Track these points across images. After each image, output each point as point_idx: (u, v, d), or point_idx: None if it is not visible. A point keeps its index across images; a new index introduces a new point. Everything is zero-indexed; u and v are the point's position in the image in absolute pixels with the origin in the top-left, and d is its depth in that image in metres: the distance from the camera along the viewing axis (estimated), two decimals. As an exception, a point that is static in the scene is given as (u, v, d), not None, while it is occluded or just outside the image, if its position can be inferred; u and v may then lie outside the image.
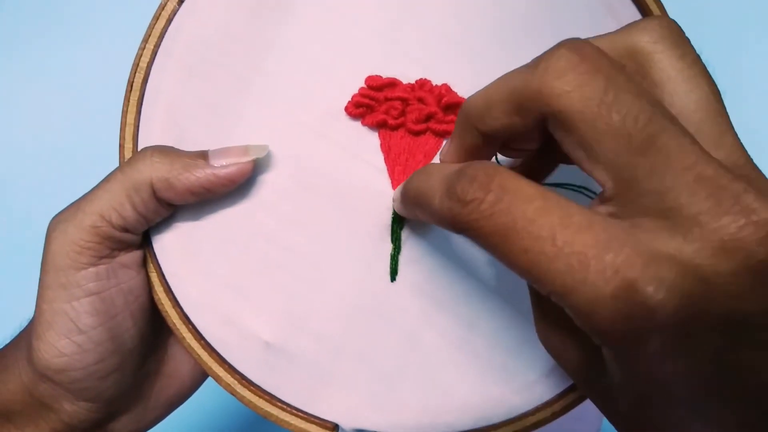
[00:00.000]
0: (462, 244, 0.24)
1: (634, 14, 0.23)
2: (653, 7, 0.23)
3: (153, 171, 0.22)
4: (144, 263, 0.24)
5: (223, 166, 0.22)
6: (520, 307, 0.24)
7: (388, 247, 0.24)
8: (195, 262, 0.24)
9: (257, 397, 0.24)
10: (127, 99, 0.25)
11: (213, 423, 0.46)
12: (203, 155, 0.22)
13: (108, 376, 0.22)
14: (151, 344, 0.25)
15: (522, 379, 0.24)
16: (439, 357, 0.24)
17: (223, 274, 0.24)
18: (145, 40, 0.25)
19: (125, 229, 0.22)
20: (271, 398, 0.24)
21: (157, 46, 0.25)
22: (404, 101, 0.24)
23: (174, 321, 0.24)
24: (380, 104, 0.24)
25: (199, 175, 0.22)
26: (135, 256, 0.23)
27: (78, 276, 0.21)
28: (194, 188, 0.22)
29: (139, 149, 0.24)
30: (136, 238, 0.23)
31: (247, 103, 0.24)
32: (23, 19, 0.50)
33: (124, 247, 0.22)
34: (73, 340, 0.21)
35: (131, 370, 0.23)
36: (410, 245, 0.24)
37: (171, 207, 0.23)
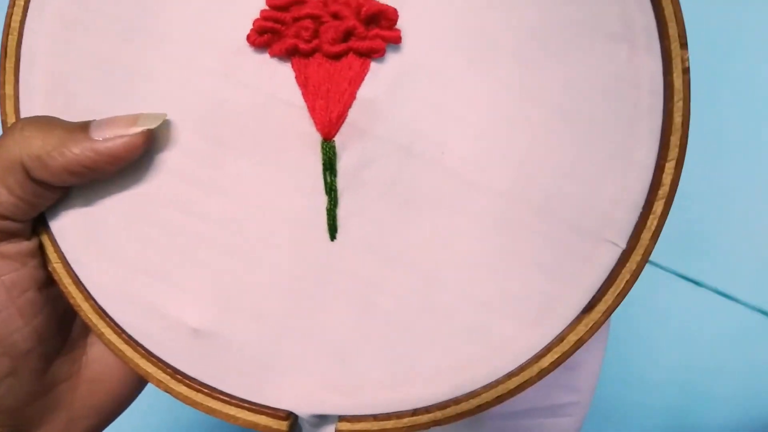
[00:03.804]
0: (412, 184, 0.20)
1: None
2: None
3: (23, 148, 0.18)
4: (37, 254, 0.20)
5: (105, 140, 0.18)
6: (489, 249, 0.20)
7: (323, 200, 0.20)
8: (101, 246, 0.20)
9: (195, 392, 0.20)
10: (2, 67, 0.21)
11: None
12: (84, 127, 0.19)
13: None
14: (57, 344, 0.22)
15: (499, 334, 0.20)
16: (398, 321, 0.20)
17: (135, 255, 0.20)
18: (14, -5, 0.21)
19: (3, 217, 0.19)
20: (212, 391, 0.20)
21: (29, 0, 0.21)
22: (316, 19, 0.19)
23: (88, 315, 0.21)
24: (288, 27, 0.19)
25: (76, 151, 0.18)
26: (20, 246, 0.20)
27: None
28: (72, 167, 0.18)
29: None
30: (20, 226, 0.19)
31: (138, 52, 0.20)
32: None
33: (5, 236, 0.19)
34: None
35: (31, 374, 0.20)
36: (349, 195, 0.20)
37: (58, 188, 0.19)
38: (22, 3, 0.21)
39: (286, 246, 0.20)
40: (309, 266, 0.20)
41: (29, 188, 0.19)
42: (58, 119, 0.20)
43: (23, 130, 0.19)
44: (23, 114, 0.21)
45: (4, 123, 0.21)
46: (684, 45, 0.19)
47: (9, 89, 0.21)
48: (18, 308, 0.19)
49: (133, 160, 0.19)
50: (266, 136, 0.20)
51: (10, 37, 0.21)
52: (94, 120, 0.19)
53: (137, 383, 0.23)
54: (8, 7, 0.21)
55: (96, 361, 0.22)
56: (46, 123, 0.19)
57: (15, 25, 0.21)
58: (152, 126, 0.19)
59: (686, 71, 0.19)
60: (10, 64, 0.21)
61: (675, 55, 0.19)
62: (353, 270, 0.20)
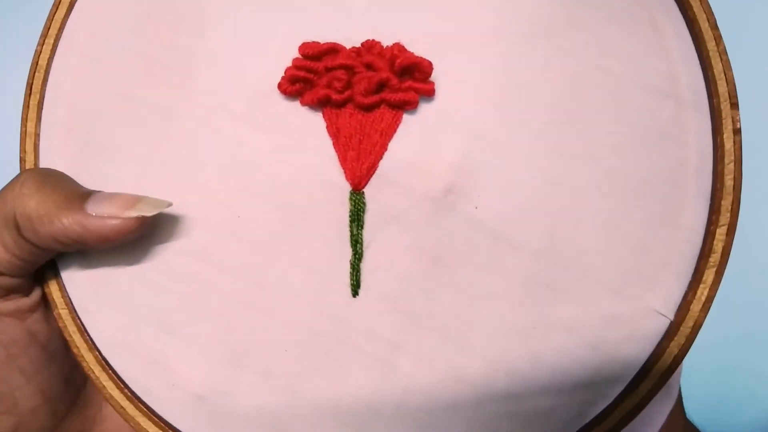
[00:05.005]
0: (443, 239, 0.19)
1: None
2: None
3: (17, 205, 0.17)
4: (38, 308, 0.19)
5: (98, 217, 0.17)
6: (519, 314, 0.19)
7: (348, 253, 0.19)
8: (110, 293, 0.19)
9: (200, 457, 0.19)
10: (26, 105, 0.21)
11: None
12: (84, 196, 0.18)
13: None
14: (67, 402, 0.20)
15: (531, 408, 0.18)
16: (422, 389, 0.19)
17: (143, 304, 0.19)
18: (44, 34, 0.21)
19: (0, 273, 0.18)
20: (217, 456, 0.19)
21: (58, 38, 0.21)
22: (349, 69, 0.19)
23: (91, 367, 0.19)
24: (320, 77, 0.19)
25: (66, 222, 0.17)
26: (17, 303, 0.19)
27: None
28: (58, 237, 0.17)
29: (41, 163, 0.20)
30: (18, 282, 0.18)
31: (161, 91, 0.20)
32: None
33: (2, 293, 0.18)
34: None
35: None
36: (375, 248, 0.19)
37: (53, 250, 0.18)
38: (51, 42, 0.21)
39: (304, 299, 0.19)
40: (327, 323, 0.19)
41: (24, 246, 0.18)
42: (66, 179, 0.19)
43: (23, 186, 0.18)
44: (42, 149, 0.20)
45: (21, 160, 0.21)
46: (735, 105, 0.18)
47: (31, 126, 0.21)
48: (18, 367, 0.18)
49: (125, 242, 0.18)
50: (291, 183, 0.19)
51: (36, 74, 0.21)
52: (98, 192, 0.18)
53: None
54: (37, 45, 0.21)
55: (109, 419, 0.21)
56: (50, 182, 0.18)
57: (42, 63, 0.21)
58: (149, 213, 0.18)
59: (737, 132, 0.18)
60: (34, 101, 0.21)
61: (725, 115, 0.18)
62: (374, 329, 0.19)
